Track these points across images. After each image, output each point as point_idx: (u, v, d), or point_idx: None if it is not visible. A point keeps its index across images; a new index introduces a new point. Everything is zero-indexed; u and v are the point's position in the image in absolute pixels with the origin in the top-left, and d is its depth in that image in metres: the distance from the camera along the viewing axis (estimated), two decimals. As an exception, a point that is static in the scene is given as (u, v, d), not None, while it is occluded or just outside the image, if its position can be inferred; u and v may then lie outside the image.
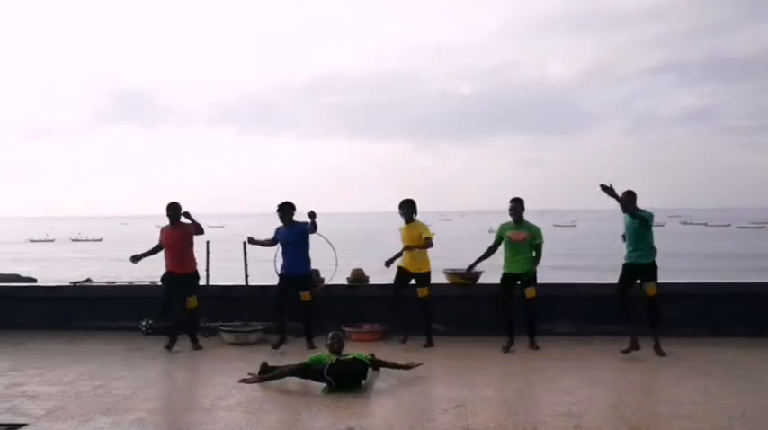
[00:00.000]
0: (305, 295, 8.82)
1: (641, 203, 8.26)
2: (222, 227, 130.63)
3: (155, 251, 9.11)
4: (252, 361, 8.00)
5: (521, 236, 8.68)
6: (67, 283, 11.05)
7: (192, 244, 9.00)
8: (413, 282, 9.03)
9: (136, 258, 9.08)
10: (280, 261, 9.07)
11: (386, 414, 5.94)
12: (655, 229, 8.31)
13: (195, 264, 9.06)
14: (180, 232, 8.94)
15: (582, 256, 47.60)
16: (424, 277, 8.98)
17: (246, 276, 9.72)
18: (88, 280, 11.31)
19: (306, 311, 8.89)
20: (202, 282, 9.73)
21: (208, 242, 9.86)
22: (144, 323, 9.61)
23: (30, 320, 10.27)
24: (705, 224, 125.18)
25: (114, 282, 11.58)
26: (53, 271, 39.78)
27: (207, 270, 9.80)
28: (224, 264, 11.62)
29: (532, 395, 6.45)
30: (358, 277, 9.89)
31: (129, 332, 9.67)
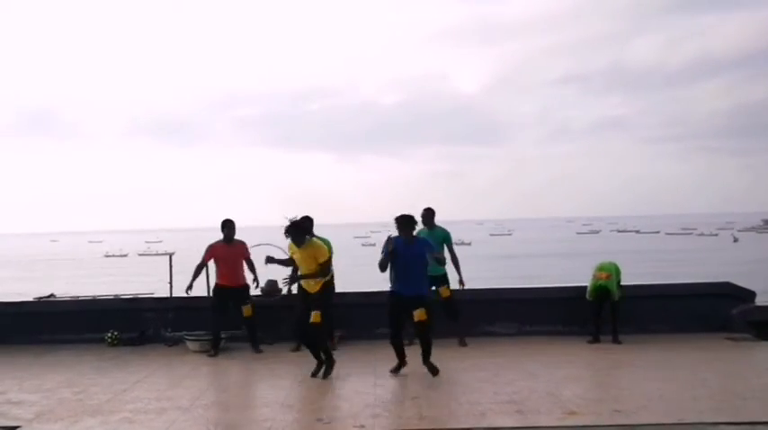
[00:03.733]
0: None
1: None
2: (161, 241, 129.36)
3: (200, 271, 9.58)
4: (219, 366, 8.61)
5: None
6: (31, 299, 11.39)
7: (243, 260, 9.53)
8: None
9: (190, 287, 9.52)
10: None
11: (350, 406, 6.61)
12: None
13: (245, 278, 9.59)
14: (235, 248, 9.51)
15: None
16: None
17: (208, 288, 10.21)
18: (52, 295, 11.66)
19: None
20: (166, 293, 10.24)
21: (170, 256, 10.37)
22: (109, 335, 10.07)
23: None
24: (637, 231, 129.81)
25: (78, 297, 11.95)
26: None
27: (170, 282, 10.27)
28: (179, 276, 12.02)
29: (479, 387, 7.19)
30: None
31: (95, 344, 10.06)
